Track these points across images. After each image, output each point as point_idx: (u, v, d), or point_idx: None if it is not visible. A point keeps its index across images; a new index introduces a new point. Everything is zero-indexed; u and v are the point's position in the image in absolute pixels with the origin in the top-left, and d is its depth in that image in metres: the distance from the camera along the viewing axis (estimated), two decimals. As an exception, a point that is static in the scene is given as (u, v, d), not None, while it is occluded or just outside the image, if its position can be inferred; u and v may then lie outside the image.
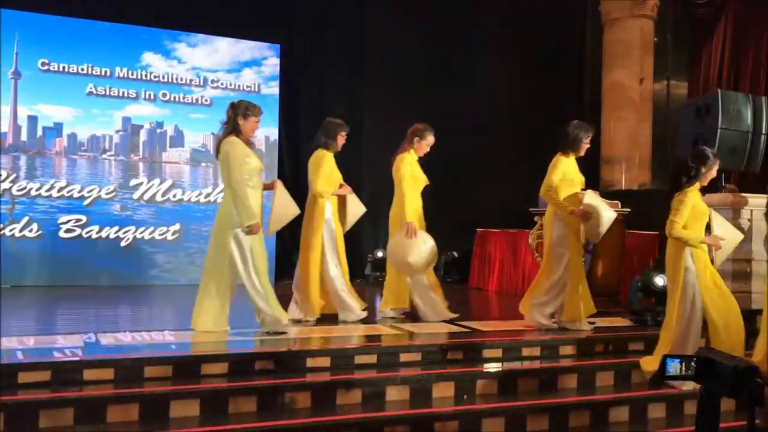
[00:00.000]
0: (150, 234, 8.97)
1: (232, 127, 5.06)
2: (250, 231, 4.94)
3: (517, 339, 5.28)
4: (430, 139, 6.05)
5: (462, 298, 8.64)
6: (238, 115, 5.06)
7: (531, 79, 10.16)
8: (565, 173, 5.57)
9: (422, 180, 6.03)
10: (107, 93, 8.90)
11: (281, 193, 5.44)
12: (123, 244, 8.83)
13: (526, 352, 5.14)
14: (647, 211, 5.55)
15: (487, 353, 5.02)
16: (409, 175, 5.91)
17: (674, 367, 2.49)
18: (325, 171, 5.90)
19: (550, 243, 5.63)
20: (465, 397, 4.53)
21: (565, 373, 4.90)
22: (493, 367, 4.88)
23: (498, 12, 10.35)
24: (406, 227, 5.78)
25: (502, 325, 5.89)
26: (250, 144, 5.13)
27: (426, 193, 9.83)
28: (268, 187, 5.38)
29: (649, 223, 6.80)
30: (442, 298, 6.10)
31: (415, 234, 5.76)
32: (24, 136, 8.56)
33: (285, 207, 5.48)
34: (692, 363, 2.49)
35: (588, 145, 5.74)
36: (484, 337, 5.34)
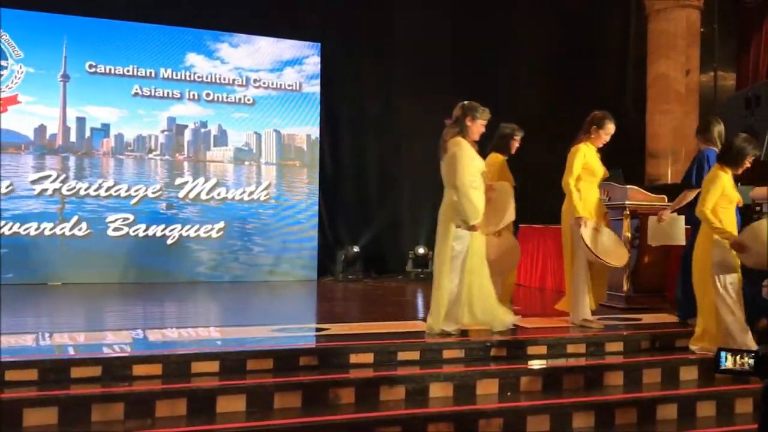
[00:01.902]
0: (195, 232, 9.13)
1: (459, 128, 5.06)
2: (473, 228, 4.95)
3: (561, 336, 5.21)
4: (609, 128, 5.59)
5: (505, 295, 8.58)
6: (467, 116, 5.07)
7: (573, 72, 10.05)
8: (724, 189, 4.92)
9: (600, 172, 5.58)
10: (152, 94, 9.08)
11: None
12: (169, 242, 9.00)
13: (570, 349, 5.08)
14: (694, 205, 5.40)
15: (531, 350, 4.97)
16: (582, 168, 5.51)
17: (727, 359, 2.43)
18: (499, 174, 5.95)
19: (702, 270, 5.04)
20: (509, 394, 4.49)
21: (611, 370, 4.82)
22: (537, 364, 4.83)
23: (537, 3, 10.24)
24: (577, 222, 5.42)
25: (546, 322, 5.82)
26: (473, 145, 5.12)
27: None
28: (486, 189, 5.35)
29: (696, 218, 6.63)
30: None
31: (584, 227, 5.39)
32: (73, 137, 8.79)
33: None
34: (748, 358, 2.43)
35: (749, 165, 5.07)
36: (528, 334, 5.29)
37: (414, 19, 10.04)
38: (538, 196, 9.57)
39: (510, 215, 5.67)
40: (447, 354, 4.78)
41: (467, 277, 5.05)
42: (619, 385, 4.78)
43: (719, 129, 5.65)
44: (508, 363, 4.80)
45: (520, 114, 10.06)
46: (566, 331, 5.45)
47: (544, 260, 8.80)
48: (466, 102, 5.16)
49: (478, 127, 5.12)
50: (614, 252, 5.50)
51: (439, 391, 4.38)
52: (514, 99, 10.09)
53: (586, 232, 5.40)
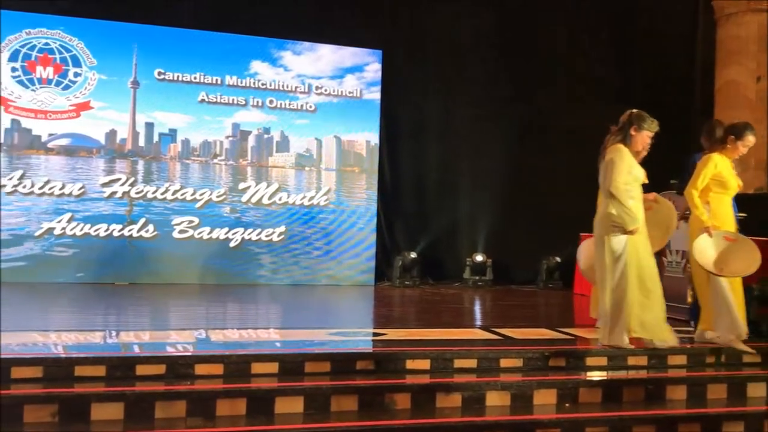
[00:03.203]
0: (257, 235, 9.30)
1: (622, 136, 4.99)
2: (631, 233, 4.88)
3: (622, 347, 5.11)
4: (748, 140, 5.33)
5: (566, 304, 8.47)
6: (632, 125, 4.97)
7: (637, 78, 9.85)
8: None
9: (733, 185, 5.34)
10: (218, 100, 9.31)
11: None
12: (232, 244, 9.20)
13: (631, 361, 4.97)
14: (763, 216, 5.22)
15: (590, 361, 4.89)
16: (711, 179, 5.30)
17: None
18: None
19: None
20: (567, 405, 4.43)
21: (674, 384, 4.71)
22: (597, 376, 4.75)
23: (601, 9, 10.06)
24: (702, 231, 5.22)
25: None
26: (636, 155, 5.02)
27: (527, 197, 9.76)
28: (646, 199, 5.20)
29: (766, 229, 6.42)
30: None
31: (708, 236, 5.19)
32: (142, 142, 9.08)
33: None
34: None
35: None
36: (587, 344, 5.21)
37: (475, 25, 10.02)
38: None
39: (670, 233, 5.45)
40: (504, 363, 4.75)
41: (630, 287, 4.91)
42: (681, 399, 4.66)
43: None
44: (567, 373, 4.74)
45: (579, 118, 9.96)
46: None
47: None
48: (634, 110, 5.03)
49: (642, 137, 4.97)
50: (742, 260, 5.16)
51: (495, 399, 4.35)
52: (574, 103, 9.96)
53: (702, 243, 5.17)
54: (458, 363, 4.65)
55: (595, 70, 10.11)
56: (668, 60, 10.38)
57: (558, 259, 9.77)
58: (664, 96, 10.11)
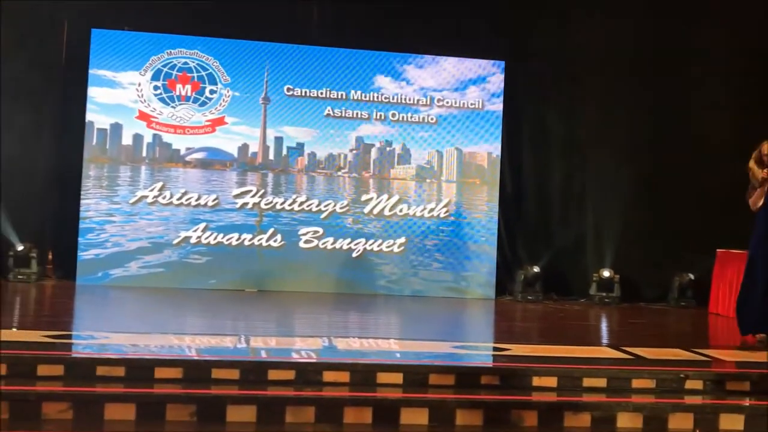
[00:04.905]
0: (378, 246, 9.43)
1: None
2: None
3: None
4: None
5: (700, 324, 8.05)
6: None
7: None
8: None
9: None
10: (343, 115, 9.54)
11: None
12: (354, 255, 9.37)
13: (778, 387, 4.64)
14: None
15: (731, 386, 4.60)
16: None
17: None
18: None
19: None
20: (698, 430, 4.20)
21: (827, 415, 4.34)
22: (738, 401, 4.46)
23: (738, 11, 9.48)
24: None
25: (748, 355, 5.36)
26: None
27: (657, 210, 9.34)
28: None
29: None
30: None
31: None
32: (271, 156, 9.45)
33: None
34: None
35: None
36: (727, 367, 4.91)
37: (600, 32, 9.70)
38: (736, 220, 8.86)
39: None
40: (636, 383, 4.56)
41: None
42: (836, 431, 4.28)
43: None
44: (704, 397, 4.49)
45: (712, 127, 9.42)
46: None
47: (744, 289, 8.09)
48: None
49: None
50: None
51: (627, 421, 4.19)
52: (706, 111, 9.45)
53: None
54: (587, 382, 4.52)
55: (730, 76, 9.54)
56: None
57: (691, 276, 9.26)
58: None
